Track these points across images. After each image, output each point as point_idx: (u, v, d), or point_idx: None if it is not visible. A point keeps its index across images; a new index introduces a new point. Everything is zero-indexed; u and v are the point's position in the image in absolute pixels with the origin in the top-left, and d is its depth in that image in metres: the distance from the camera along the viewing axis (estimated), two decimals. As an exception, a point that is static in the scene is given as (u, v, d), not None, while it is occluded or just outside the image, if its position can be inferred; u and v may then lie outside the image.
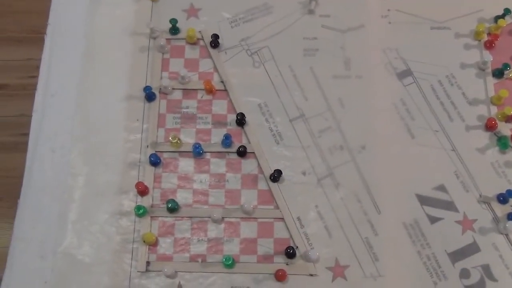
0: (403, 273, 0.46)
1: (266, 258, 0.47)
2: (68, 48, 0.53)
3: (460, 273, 0.46)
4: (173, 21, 0.52)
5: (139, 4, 0.55)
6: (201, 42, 0.53)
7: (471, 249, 0.46)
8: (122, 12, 0.54)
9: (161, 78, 0.52)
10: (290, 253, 0.46)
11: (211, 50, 0.53)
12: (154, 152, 0.49)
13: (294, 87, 0.52)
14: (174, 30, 0.53)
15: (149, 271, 0.46)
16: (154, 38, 0.53)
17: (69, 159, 0.49)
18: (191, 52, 0.53)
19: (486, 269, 0.46)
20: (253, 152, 0.49)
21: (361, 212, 0.48)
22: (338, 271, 0.46)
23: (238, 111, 0.50)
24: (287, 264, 0.46)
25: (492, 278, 0.45)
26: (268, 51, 0.53)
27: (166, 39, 0.53)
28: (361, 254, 0.46)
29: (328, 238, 0.47)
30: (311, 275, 0.46)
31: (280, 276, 0.45)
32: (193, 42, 0.53)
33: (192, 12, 0.54)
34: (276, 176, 0.48)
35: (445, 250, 0.46)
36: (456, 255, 0.46)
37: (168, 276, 0.45)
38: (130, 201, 0.48)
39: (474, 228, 0.47)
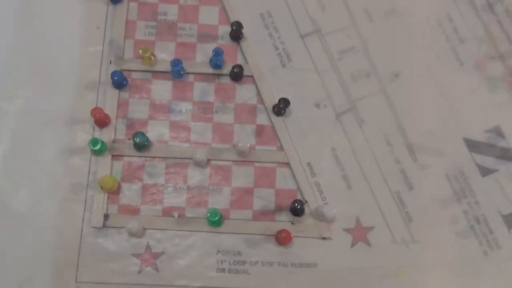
0: (443, 238, 0.36)
1: (265, 215, 0.36)
2: None
3: (519, 240, 0.36)
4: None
5: None
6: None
7: (534, 210, 0.36)
8: None
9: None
10: (297, 209, 0.35)
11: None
12: (118, 69, 0.37)
13: (308, -7, 0.40)
14: None
15: (108, 227, 0.35)
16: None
17: (4, 76, 0.37)
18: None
19: (552, 235, 0.35)
20: (252, 76, 0.38)
21: (392, 159, 0.37)
22: (359, 234, 0.35)
23: (233, 20, 0.38)
24: (292, 223, 0.35)
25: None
26: None
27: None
28: (390, 213, 0.36)
29: (347, 190, 0.36)
30: (324, 238, 0.35)
31: (282, 238, 0.34)
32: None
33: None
34: (281, 107, 0.36)
35: (499, 211, 0.36)
36: (513, 218, 0.36)
37: (133, 234, 0.34)
38: (85, 134, 0.36)
39: (537, 184, 0.36)
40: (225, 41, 0.39)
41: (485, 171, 0.37)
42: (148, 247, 0.35)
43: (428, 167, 0.37)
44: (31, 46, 0.38)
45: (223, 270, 0.35)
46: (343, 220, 0.36)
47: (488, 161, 0.37)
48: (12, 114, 0.37)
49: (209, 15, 0.39)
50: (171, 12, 0.39)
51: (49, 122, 0.36)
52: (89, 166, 0.36)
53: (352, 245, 0.35)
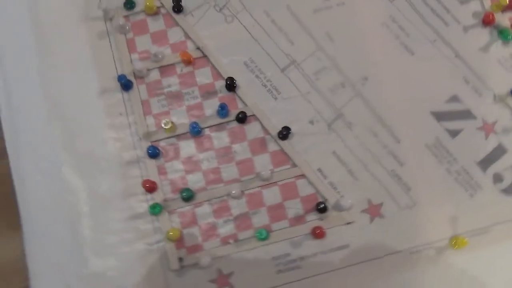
0: (437, 195, 0.46)
1: (298, 220, 0.45)
2: (18, 52, 0.48)
3: (493, 179, 0.46)
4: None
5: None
6: (162, 10, 0.49)
7: (498, 152, 0.46)
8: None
9: (132, 61, 0.48)
10: (321, 208, 0.45)
11: (176, 16, 0.48)
12: (149, 144, 0.46)
13: (275, 34, 0.48)
14: (130, 4, 0.48)
15: (184, 266, 0.44)
16: (111, 20, 0.48)
17: (60, 174, 0.46)
18: (155, 24, 0.48)
19: (518, 167, 0.46)
20: (253, 115, 0.47)
21: (381, 146, 0.46)
22: (373, 211, 0.45)
23: (224, 76, 0.47)
24: (321, 220, 0.45)
25: (525, 174, 0.46)
26: (237, 1, 0.49)
27: (124, 16, 0.48)
28: (392, 188, 0.46)
29: (355, 181, 0.46)
30: (348, 223, 0.45)
31: (318, 233, 0.44)
32: (153, 12, 0.48)
33: (141, -17, 0.49)
34: (284, 133, 0.46)
35: (474, 161, 0.46)
36: (485, 162, 0.46)
37: (205, 266, 0.44)
38: (140, 202, 0.45)
39: (496, 130, 0.46)
40: (223, 93, 0.47)
41: (454, 133, 0.46)
42: (219, 271, 0.44)
43: (410, 144, 0.46)
44: (72, 144, 0.47)
45: (280, 271, 0.45)
46: (358, 204, 0.45)
47: (454, 125, 0.47)
48: (79, 204, 0.45)
49: (203, 76, 0.48)
50: (173, 82, 0.47)
51: (109, 201, 0.45)
52: (153, 225, 0.45)
53: (371, 221, 0.45)
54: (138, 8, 0.48)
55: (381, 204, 0.45)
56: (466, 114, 0.47)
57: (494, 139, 0.46)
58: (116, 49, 0.48)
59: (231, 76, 0.47)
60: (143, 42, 0.48)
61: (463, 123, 0.47)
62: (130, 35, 0.48)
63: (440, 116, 0.47)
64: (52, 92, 0.47)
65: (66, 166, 0.46)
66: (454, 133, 0.46)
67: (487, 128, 0.46)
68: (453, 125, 0.47)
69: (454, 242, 0.44)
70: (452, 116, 0.47)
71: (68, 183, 0.46)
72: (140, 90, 0.47)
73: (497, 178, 0.46)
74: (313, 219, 0.45)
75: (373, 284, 0.44)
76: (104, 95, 0.47)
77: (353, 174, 0.46)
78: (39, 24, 0.48)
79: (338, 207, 0.45)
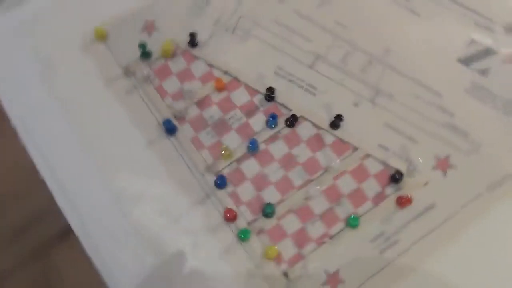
0: (493, 131, 0.48)
1: (380, 197, 0.46)
2: (51, 134, 0.48)
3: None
4: (142, 46, 0.48)
5: (92, 51, 0.50)
6: (179, 50, 0.50)
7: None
8: (84, 67, 0.49)
9: (167, 106, 0.48)
10: (397, 178, 0.46)
11: (194, 51, 0.50)
12: (214, 176, 0.46)
13: (292, 37, 0.50)
14: (145, 55, 0.49)
15: (291, 280, 0.44)
16: (134, 74, 0.49)
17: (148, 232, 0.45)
18: (176, 65, 0.49)
19: None
20: (300, 116, 0.48)
21: (426, 105, 0.48)
22: (443, 165, 0.47)
23: (260, 90, 0.48)
24: (400, 190, 0.46)
25: None
26: (245, 20, 0.51)
27: (146, 67, 0.49)
28: (452, 139, 0.48)
29: (416, 144, 0.47)
30: (425, 184, 0.46)
31: (403, 202, 0.45)
32: (171, 54, 0.49)
33: (150, 27, 0.50)
34: (335, 122, 0.47)
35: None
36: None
37: (313, 273, 0.44)
38: (226, 234, 0.45)
39: (518, 57, 0.50)
40: (264, 106, 0.48)
41: (485, 72, 0.49)
42: (326, 272, 0.44)
43: (450, 94, 0.49)
44: (133, 208, 0.46)
45: (382, 251, 0.45)
46: (427, 164, 0.47)
47: (482, 64, 0.50)
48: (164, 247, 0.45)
49: (240, 96, 0.49)
50: (214, 112, 0.48)
51: (197, 244, 0.45)
52: (244, 251, 0.45)
53: (444, 175, 0.47)
54: (155, 55, 0.49)
55: (448, 157, 0.47)
56: (488, 52, 0.50)
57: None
58: (148, 100, 0.48)
59: (270, 88, 0.48)
60: (172, 85, 0.49)
61: (488, 61, 0.50)
62: (156, 82, 0.49)
63: (467, 61, 0.50)
64: (100, 163, 0.47)
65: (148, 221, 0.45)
66: (484, 72, 0.49)
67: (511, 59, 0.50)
68: (481, 65, 0.49)
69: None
70: (477, 57, 0.50)
71: (152, 238, 0.45)
72: (185, 129, 0.48)
73: (539, 99, 0.49)
74: (392, 192, 0.46)
75: (470, 230, 0.45)
76: (152, 146, 0.47)
77: (412, 138, 0.48)
78: (65, 103, 0.48)
79: (410, 173, 0.47)
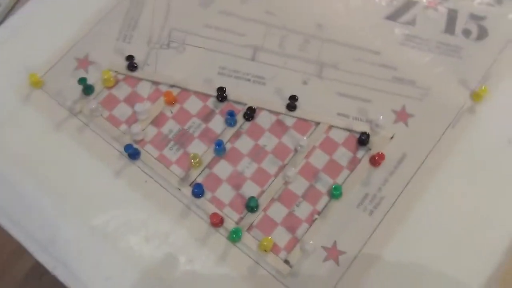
0: (442, 75, 0.50)
1: (353, 162, 0.47)
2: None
3: (463, 34, 0.52)
4: (83, 81, 0.48)
5: (33, 101, 0.49)
6: (119, 76, 0.49)
7: (453, 14, 0.52)
8: (29, 118, 0.48)
9: (123, 132, 0.47)
10: (365, 140, 0.47)
11: (135, 74, 0.49)
12: (192, 186, 0.45)
13: (226, 36, 0.51)
14: (88, 90, 0.48)
15: (293, 265, 0.44)
16: (80, 112, 0.48)
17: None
18: (122, 91, 0.49)
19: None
20: (256, 107, 0.48)
21: (370, 65, 0.51)
22: (402, 116, 0.49)
23: (210, 93, 0.49)
24: (370, 150, 0.47)
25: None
26: (176, 32, 0.51)
27: (92, 99, 0.48)
28: (402, 91, 0.50)
29: (370, 103, 0.49)
30: (392, 137, 0.48)
31: (377, 160, 0.46)
32: (113, 83, 0.49)
33: (84, 63, 0.50)
34: (291, 104, 0.48)
35: (439, 31, 0.52)
36: (449, 28, 0.52)
37: (313, 251, 0.44)
38: (218, 239, 0.44)
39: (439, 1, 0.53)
40: (219, 107, 0.49)
41: (412, 22, 0.52)
42: (325, 248, 0.44)
43: (388, 50, 0.51)
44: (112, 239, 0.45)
45: (371, 211, 0.45)
46: (388, 119, 0.49)
47: (408, 16, 0.52)
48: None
49: (193, 105, 0.49)
50: (172, 126, 0.48)
51: (192, 258, 0.44)
52: (241, 252, 0.44)
53: (407, 126, 0.48)
54: (97, 88, 0.49)
55: (404, 107, 0.49)
56: (410, 3, 0.53)
57: (443, 9, 0.53)
58: (103, 132, 0.47)
59: (221, 88, 0.48)
60: (122, 111, 0.48)
61: (412, 11, 0.52)
62: (106, 113, 0.48)
63: (393, 17, 0.52)
64: (75, 207, 0.45)
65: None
66: (412, 22, 0.52)
67: (432, 3, 0.53)
68: (407, 17, 0.52)
69: (475, 94, 0.49)
70: (401, 11, 0.52)
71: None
72: (148, 150, 0.47)
73: (467, 32, 0.52)
74: (364, 154, 0.47)
75: (445, 168, 0.47)
76: (121, 175, 0.46)
77: (366, 100, 0.49)
78: (22, 160, 0.47)
79: (375, 132, 0.48)
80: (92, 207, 0.45)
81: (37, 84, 0.48)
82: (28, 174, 0.46)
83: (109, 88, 0.49)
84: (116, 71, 0.49)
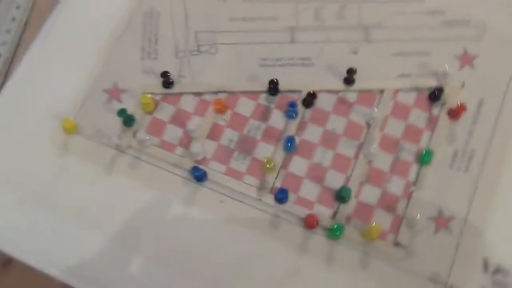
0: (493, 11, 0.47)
1: (432, 121, 0.44)
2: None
3: None
4: (123, 112, 0.43)
5: (72, 150, 0.44)
6: (157, 97, 0.45)
7: None
8: (75, 170, 0.43)
9: (182, 156, 0.43)
10: (437, 95, 0.44)
11: (174, 89, 0.45)
12: (271, 194, 0.42)
13: (257, 25, 0.47)
14: (129, 120, 0.44)
15: (406, 246, 0.40)
16: (129, 146, 0.43)
17: None
18: (166, 113, 0.45)
19: None
20: (313, 91, 0.44)
21: (413, 14, 0.47)
22: (465, 60, 0.45)
23: (260, 88, 0.45)
24: (446, 104, 0.44)
25: None
26: (203, 34, 0.47)
27: (134, 136, 0.44)
28: (457, 34, 0.46)
29: (430, 56, 0.46)
30: (463, 85, 0.44)
31: (457, 112, 0.43)
32: (153, 107, 0.44)
33: (116, 93, 0.45)
34: (349, 78, 0.45)
35: None
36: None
37: (421, 226, 0.41)
38: (318, 242, 0.41)
39: None
40: (273, 102, 0.45)
41: None
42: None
43: None
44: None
45: (466, 167, 0.42)
46: (452, 66, 0.45)
47: None
48: None
49: (245, 106, 0.45)
50: (231, 134, 0.44)
51: (297, 269, 0.40)
52: (347, 247, 0.41)
53: (472, 69, 0.45)
54: (137, 115, 0.44)
55: (465, 51, 0.46)
56: None
57: None
58: (159, 161, 0.43)
59: (272, 80, 0.44)
60: (173, 134, 0.44)
61: None
62: (155, 140, 0.44)
63: None
64: (150, 251, 0.41)
65: None
66: None
67: None
68: None
69: None
70: None
71: None
72: (214, 167, 0.43)
73: None
74: (440, 110, 0.44)
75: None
76: (191, 203, 0.42)
77: (424, 52, 0.46)
78: (82, 214, 0.42)
79: (444, 83, 0.45)
80: (173, 246, 0.41)
81: (72, 129, 0.44)
82: (92, 228, 0.41)
83: (150, 112, 0.44)
84: (152, 93, 0.45)
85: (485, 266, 0.40)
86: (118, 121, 0.44)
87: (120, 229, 0.41)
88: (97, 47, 0.47)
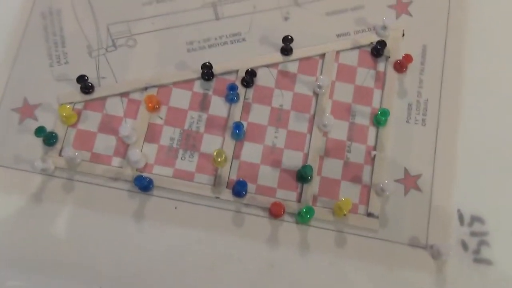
0: None
1: (380, 78, 0.41)
2: None
3: None
4: (40, 131, 0.37)
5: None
6: (78, 106, 0.39)
7: None
8: None
9: (121, 167, 0.38)
10: (379, 48, 0.41)
11: (96, 93, 0.40)
12: (231, 186, 0.38)
13: (174, 6, 0.42)
14: (51, 138, 0.38)
15: (379, 215, 0.38)
16: (55, 168, 0.38)
17: None
18: (91, 122, 0.39)
19: None
20: (250, 68, 0.41)
21: None
22: (401, 7, 0.43)
23: (193, 76, 0.40)
24: (390, 57, 0.42)
25: None
26: (115, 26, 0.41)
27: (59, 155, 0.38)
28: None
29: (364, 9, 0.43)
30: (403, 34, 0.42)
31: (404, 62, 0.41)
32: (76, 118, 0.39)
33: (27, 110, 0.39)
34: (285, 48, 0.41)
35: None
36: None
37: (389, 189, 0.38)
38: (288, 229, 0.38)
39: None
40: (209, 88, 0.40)
41: None
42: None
43: None
44: None
45: (423, 120, 0.40)
46: (389, 16, 0.43)
47: None
48: None
49: (180, 98, 0.40)
50: (170, 133, 0.39)
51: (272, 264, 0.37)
52: (322, 229, 0.38)
53: (410, 17, 0.43)
54: (59, 131, 0.39)
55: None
56: None
57: None
58: (95, 178, 0.38)
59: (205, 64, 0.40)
60: (105, 144, 0.39)
61: None
62: (86, 154, 0.38)
63: None
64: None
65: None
66: None
67: None
68: None
69: None
70: None
71: None
72: (159, 172, 0.38)
73: None
74: (386, 64, 0.42)
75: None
76: (143, 215, 0.37)
77: (357, 7, 0.43)
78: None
79: (384, 36, 0.42)
80: (134, 268, 0.36)
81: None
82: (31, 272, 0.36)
83: (74, 125, 0.39)
84: (71, 102, 0.39)
85: (461, 218, 0.39)
86: (37, 141, 0.39)
87: (70, 267, 0.36)
88: (-6, 61, 0.40)
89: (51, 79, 0.40)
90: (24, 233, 0.37)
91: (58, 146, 0.39)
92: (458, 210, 0.39)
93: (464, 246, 0.38)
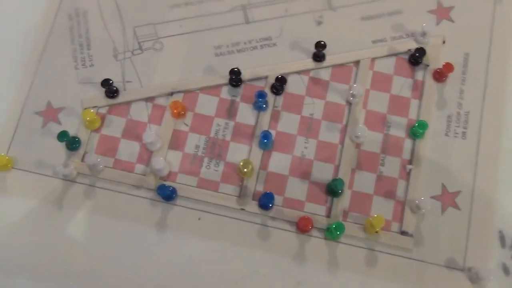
0: None
1: (418, 87, 0.39)
2: None
3: None
4: (64, 135, 0.36)
5: (11, 186, 0.37)
6: (102, 110, 0.38)
7: None
8: (12, 210, 0.36)
9: (144, 175, 0.37)
10: (418, 56, 0.39)
11: (121, 98, 0.39)
12: (256, 198, 0.36)
13: (203, 9, 0.41)
14: (74, 143, 0.37)
15: (413, 234, 0.36)
16: (77, 174, 0.37)
17: None
18: (115, 127, 0.38)
19: None
20: (281, 75, 0.39)
21: None
22: (441, 13, 0.41)
23: (220, 81, 0.39)
24: (429, 66, 0.39)
25: None
26: (141, 29, 0.40)
27: (85, 153, 0.37)
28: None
29: (402, 14, 0.41)
30: (444, 41, 0.40)
31: (445, 71, 0.39)
32: (100, 122, 0.38)
33: (52, 113, 0.39)
34: (318, 53, 0.39)
35: None
36: None
37: (425, 207, 0.36)
38: (317, 245, 0.36)
39: None
40: (237, 94, 0.39)
41: None
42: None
43: None
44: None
45: (463, 134, 0.38)
46: (429, 22, 0.41)
47: None
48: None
49: (207, 105, 0.39)
50: (196, 141, 0.38)
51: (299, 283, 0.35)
52: (350, 244, 0.36)
53: (452, 22, 0.41)
54: (82, 136, 0.38)
55: (439, 3, 0.41)
56: None
57: None
58: (117, 185, 0.37)
59: (233, 70, 0.38)
60: (129, 150, 0.38)
61: None
62: (109, 161, 0.37)
63: None
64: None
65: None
66: None
67: None
68: None
69: None
70: None
71: None
72: (183, 181, 0.37)
73: None
74: (424, 73, 0.39)
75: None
76: (166, 225, 0.36)
77: (395, 12, 0.41)
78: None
79: (423, 42, 0.40)
80: (156, 281, 0.35)
81: (6, 165, 0.37)
82: (44, 279, 0.35)
83: (97, 130, 0.38)
84: (95, 106, 0.38)
85: (502, 240, 0.36)
86: (60, 146, 0.38)
87: (85, 276, 0.35)
88: (18, 63, 0.40)
89: (75, 82, 0.39)
90: (43, 239, 0.36)
91: (81, 151, 0.38)
92: (500, 231, 0.36)
93: (506, 270, 0.36)
